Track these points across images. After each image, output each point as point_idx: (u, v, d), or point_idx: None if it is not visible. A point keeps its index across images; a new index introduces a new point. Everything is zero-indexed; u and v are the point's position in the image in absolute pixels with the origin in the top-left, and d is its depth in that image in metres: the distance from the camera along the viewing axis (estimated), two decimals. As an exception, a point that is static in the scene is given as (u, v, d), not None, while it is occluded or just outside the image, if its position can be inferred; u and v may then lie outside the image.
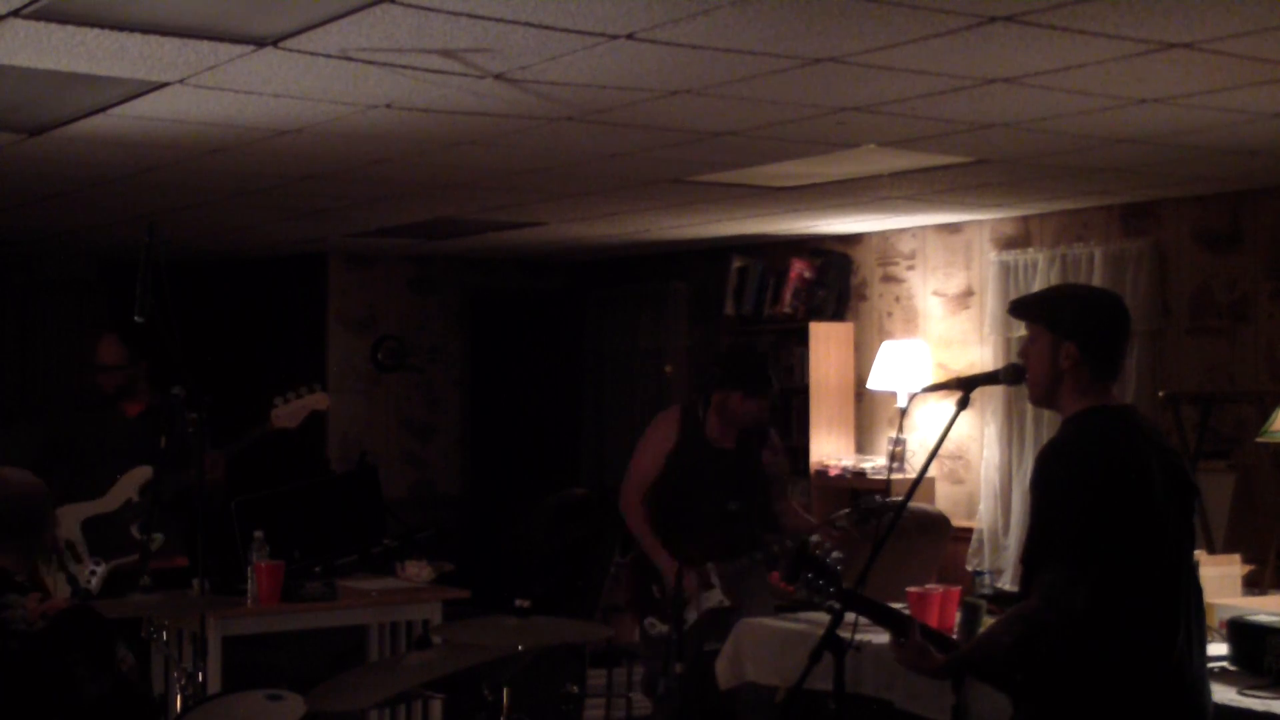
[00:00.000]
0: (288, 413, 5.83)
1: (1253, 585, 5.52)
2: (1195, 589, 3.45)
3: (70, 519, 5.94)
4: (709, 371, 5.92)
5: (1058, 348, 3.41)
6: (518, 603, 3.98)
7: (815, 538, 5.37)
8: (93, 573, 5.87)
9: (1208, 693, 3.45)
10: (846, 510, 5.46)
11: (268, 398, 5.86)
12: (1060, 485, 3.31)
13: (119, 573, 5.82)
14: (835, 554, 5.18)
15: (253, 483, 7.02)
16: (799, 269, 9.24)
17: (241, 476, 6.19)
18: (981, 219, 8.41)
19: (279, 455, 8.20)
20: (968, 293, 8.57)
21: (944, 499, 8.55)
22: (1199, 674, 3.41)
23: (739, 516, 5.66)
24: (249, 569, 5.73)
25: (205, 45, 4.21)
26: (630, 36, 4.14)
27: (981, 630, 4.73)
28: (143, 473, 5.87)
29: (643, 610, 5.73)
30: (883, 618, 3.48)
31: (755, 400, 5.63)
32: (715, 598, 5.56)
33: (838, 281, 9.24)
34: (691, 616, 5.53)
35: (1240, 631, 4.40)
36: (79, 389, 6.42)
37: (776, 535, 5.69)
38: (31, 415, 8.00)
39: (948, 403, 8.24)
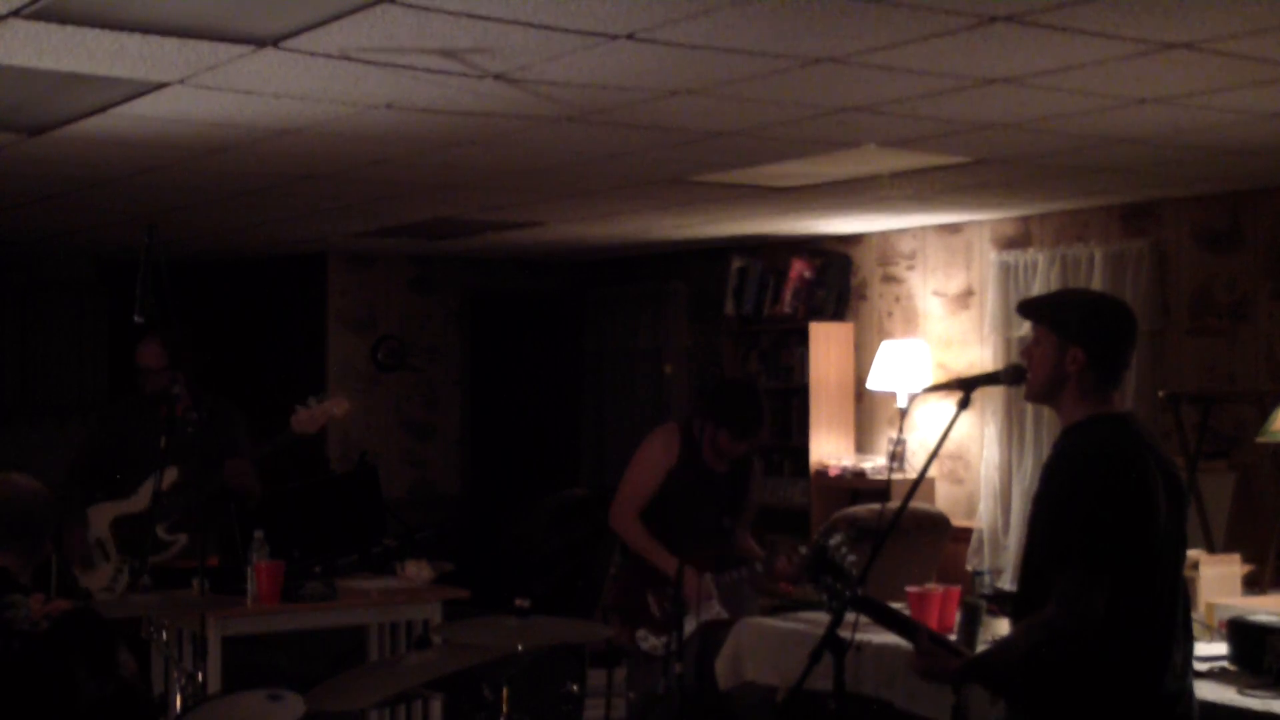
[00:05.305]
0: (308, 418, 5.84)
1: (1253, 585, 5.51)
2: (1184, 595, 3.46)
3: (101, 519, 5.97)
4: (703, 400, 5.86)
5: (1064, 351, 3.40)
6: (518, 603, 3.98)
7: (835, 539, 5.36)
8: (120, 571, 5.89)
9: (1194, 695, 3.47)
10: (805, 553, 5.47)
11: (286, 403, 5.88)
12: (1071, 494, 3.31)
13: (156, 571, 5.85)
14: (851, 558, 5.20)
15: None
16: (799, 269, 9.23)
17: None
18: (981, 219, 8.41)
19: (279, 455, 8.17)
20: (968, 293, 8.57)
21: (944, 499, 8.55)
22: (1188, 679, 3.42)
23: (731, 533, 5.68)
24: (249, 569, 5.73)
25: (205, 45, 4.21)
26: (630, 36, 4.14)
27: (982, 633, 4.74)
28: (170, 473, 5.88)
29: (634, 621, 5.71)
30: (895, 624, 3.48)
31: (744, 442, 5.62)
32: (714, 609, 5.56)
33: (838, 281, 9.24)
34: (690, 625, 5.50)
35: (1240, 631, 4.40)
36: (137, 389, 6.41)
37: (762, 553, 5.72)
38: (86, 412, 8.00)
39: (948, 403, 8.24)
